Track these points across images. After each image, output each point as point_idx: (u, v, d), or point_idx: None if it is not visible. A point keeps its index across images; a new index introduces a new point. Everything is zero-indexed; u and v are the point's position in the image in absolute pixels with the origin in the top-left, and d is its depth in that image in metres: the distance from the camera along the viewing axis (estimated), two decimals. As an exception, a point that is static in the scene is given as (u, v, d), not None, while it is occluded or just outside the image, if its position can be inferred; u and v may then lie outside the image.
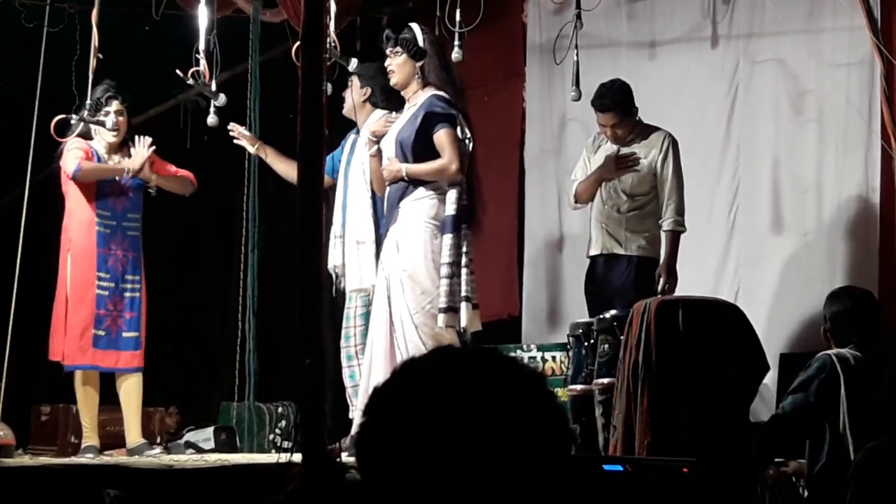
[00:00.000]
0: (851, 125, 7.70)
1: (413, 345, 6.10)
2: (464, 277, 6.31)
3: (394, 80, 6.63)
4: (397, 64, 6.53)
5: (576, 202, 7.40)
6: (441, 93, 6.39)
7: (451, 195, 6.36)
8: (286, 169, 7.24)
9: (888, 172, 7.45)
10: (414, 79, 6.51)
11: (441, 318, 6.18)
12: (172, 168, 7.35)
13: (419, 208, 6.30)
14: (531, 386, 1.67)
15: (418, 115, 6.34)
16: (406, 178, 6.34)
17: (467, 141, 6.47)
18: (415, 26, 6.62)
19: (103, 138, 7.10)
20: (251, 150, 7.47)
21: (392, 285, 6.26)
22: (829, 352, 5.62)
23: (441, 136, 6.26)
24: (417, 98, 6.46)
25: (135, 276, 7.02)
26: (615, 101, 7.15)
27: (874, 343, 5.68)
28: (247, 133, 7.48)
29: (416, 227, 6.26)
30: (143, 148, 7.06)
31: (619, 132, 7.19)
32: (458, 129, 6.34)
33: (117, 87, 7.15)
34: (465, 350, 1.72)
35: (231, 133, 7.42)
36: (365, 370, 6.35)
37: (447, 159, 6.22)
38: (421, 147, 6.31)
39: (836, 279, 7.37)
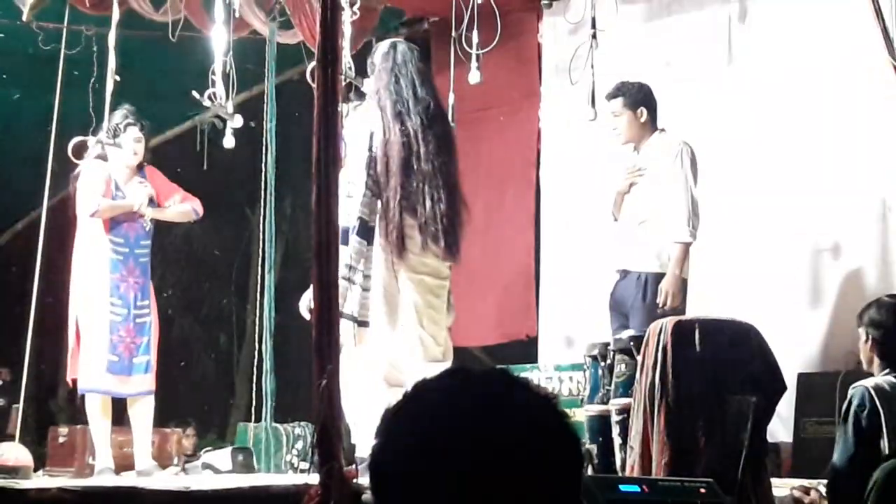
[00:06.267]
0: (869, 143, 7.70)
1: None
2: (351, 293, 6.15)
3: None
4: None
5: (614, 219, 7.35)
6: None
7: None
8: None
9: (905, 190, 7.46)
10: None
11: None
12: (177, 195, 7.23)
13: None
14: (543, 407, 1.67)
15: None
16: None
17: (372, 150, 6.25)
18: (380, 44, 6.56)
19: (121, 163, 7.05)
20: None
21: None
22: (865, 384, 5.21)
23: None
24: None
25: (145, 302, 7.01)
26: (624, 91, 7.14)
27: None
28: None
29: None
30: (142, 188, 7.01)
31: (620, 124, 7.15)
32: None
33: (136, 112, 7.09)
34: (476, 371, 1.72)
35: None
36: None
37: None
38: None
39: (853, 298, 7.34)
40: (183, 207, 7.24)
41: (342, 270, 6.04)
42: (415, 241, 6.14)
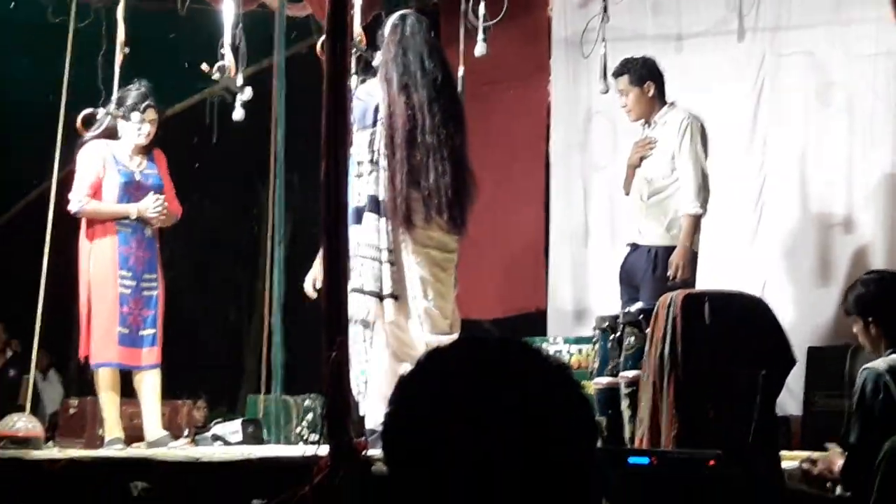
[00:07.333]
0: (878, 117, 7.70)
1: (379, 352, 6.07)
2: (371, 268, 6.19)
3: None
4: None
5: (625, 193, 7.36)
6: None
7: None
8: None
9: (916, 164, 7.45)
10: None
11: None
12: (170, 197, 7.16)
13: None
14: (557, 377, 1.67)
15: None
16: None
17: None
18: (390, 17, 6.52)
19: (131, 140, 6.99)
20: None
21: None
22: (876, 366, 5.03)
23: None
24: None
25: (152, 275, 7.00)
26: (628, 67, 7.15)
27: None
28: None
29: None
30: (155, 205, 6.93)
31: (629, 101, 7.15)
32: None
33: (153, 91, 7.00)
34: (491, 340, 1.72)
35: None
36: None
37: None
38: None
39: (863, 271, 7.34)
40: (172, 215, 7.15)
41: (368, 251, 6.06)
42: (420, 215, 6.12)
